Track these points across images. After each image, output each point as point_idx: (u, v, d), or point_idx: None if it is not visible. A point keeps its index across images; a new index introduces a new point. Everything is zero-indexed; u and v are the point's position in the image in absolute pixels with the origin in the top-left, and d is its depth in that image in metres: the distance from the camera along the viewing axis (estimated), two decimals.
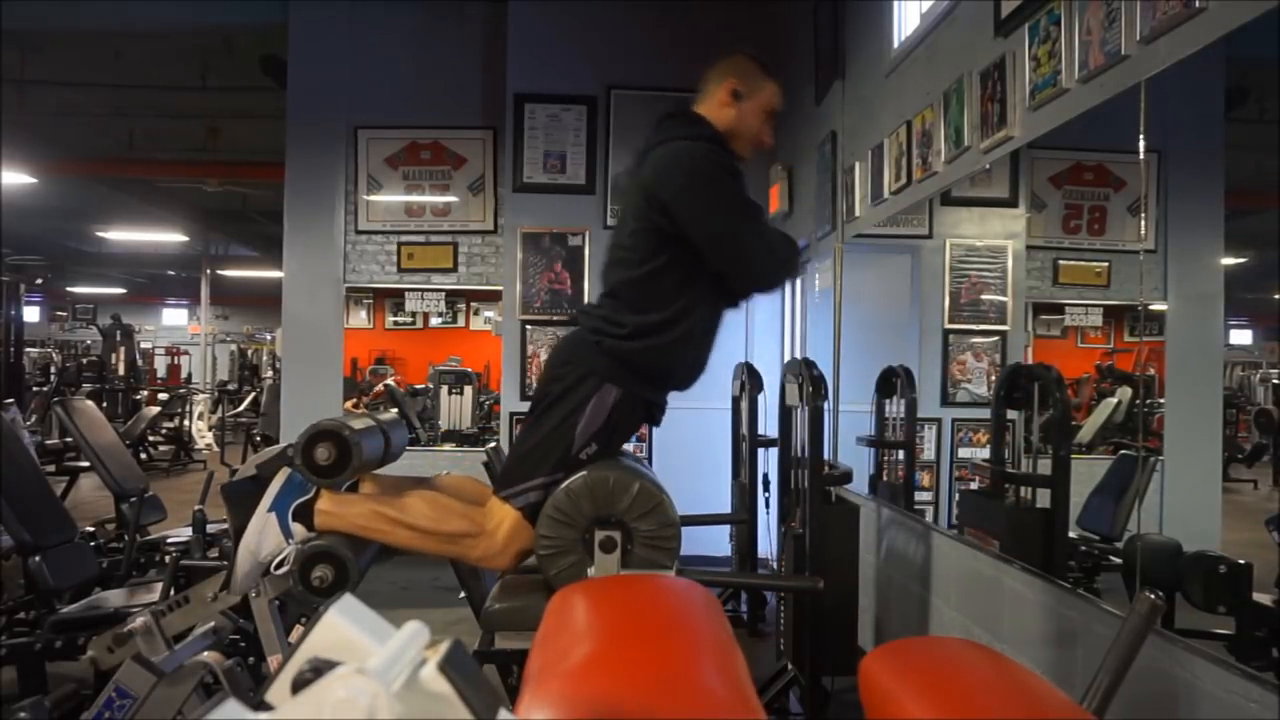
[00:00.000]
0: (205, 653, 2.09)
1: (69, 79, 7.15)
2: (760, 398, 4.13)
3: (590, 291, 5.41)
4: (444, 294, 6.09)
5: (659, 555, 1.80)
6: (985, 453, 3.56)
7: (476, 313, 11.35)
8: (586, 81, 5.42)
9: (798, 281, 5.22)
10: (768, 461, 3.97)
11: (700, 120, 2.03)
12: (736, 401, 4.31)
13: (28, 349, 11.71)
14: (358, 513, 1.89)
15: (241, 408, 12.38)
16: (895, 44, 3.34)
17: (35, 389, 11.45)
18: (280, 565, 1.87)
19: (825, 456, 3.06)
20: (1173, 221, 3.04)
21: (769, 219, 2.08)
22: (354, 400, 7.50)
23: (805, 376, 2.94)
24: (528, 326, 5.43)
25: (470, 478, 2.15)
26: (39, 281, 17.53)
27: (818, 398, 2.91)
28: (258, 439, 9.64)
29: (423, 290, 5.96)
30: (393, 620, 0.53)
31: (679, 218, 1.90)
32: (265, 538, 1.90)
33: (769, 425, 3.92)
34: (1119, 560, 2.61)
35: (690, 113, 2.06)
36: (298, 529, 1.89)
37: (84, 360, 13.00)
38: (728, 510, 4.38)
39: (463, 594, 2.59)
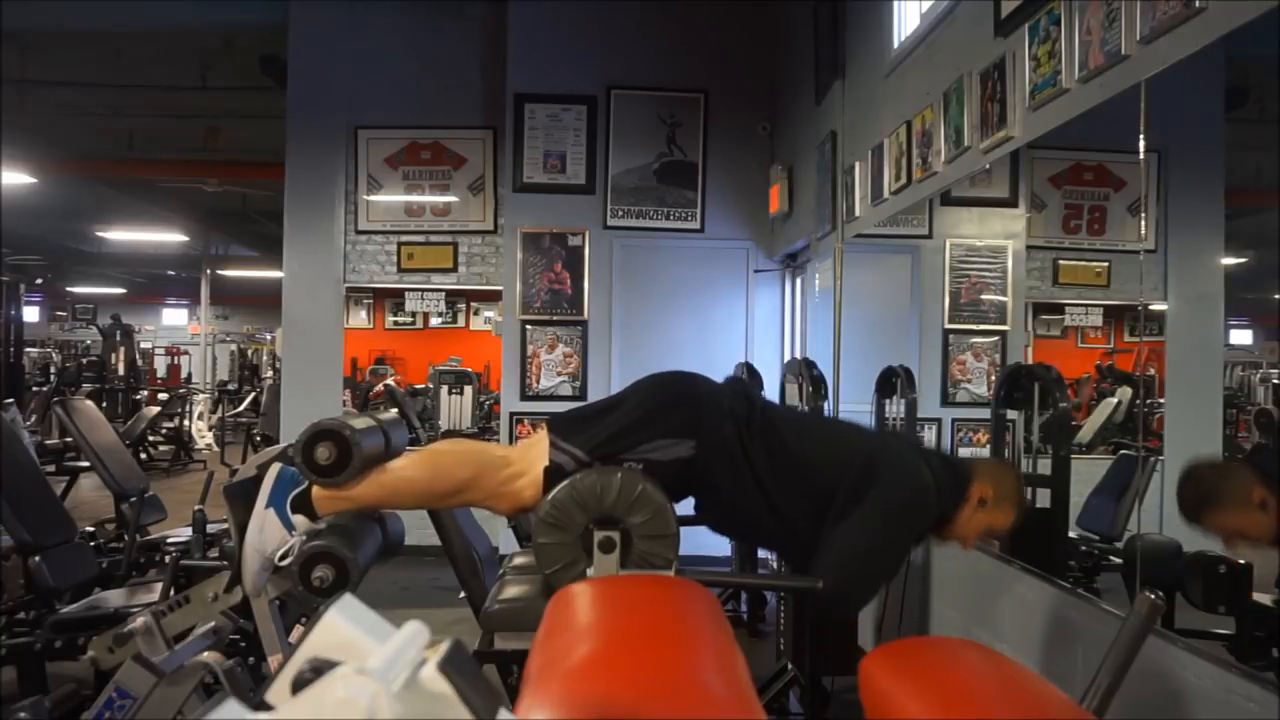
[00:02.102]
0: (205, 653, 2.10)
1: (69, 79, 7.14)
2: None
3: (589, 292, 5.41)
4: (444, 294, 6.09)
5: (657, 560, 1.80)
6: (985, 453, 3.56)
7: (476, 313, 11.36)
8: (586, 81, 5.42)
9: (798, 281, 5.22)
10: None
11: (962, 491, 1.98)
12: None
13: (28, 349, 11.71)
14: (357, 488, 1.89)
15: (241, 408, 12.37)
16: (895, 44, 3.34)
17: (35, 389, 11.45)
18: (285, 557, 1.88)
19: None
20: (1173, 221, 3.04)
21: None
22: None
23: (805, 376, 2.94)
24: (528, 326, 5.43)
25: (461, 439, 2.15)
26: (39, 281, 17.51)
27: (818, 398, 2.91)
28: (258, 439, 9.63)
29: (423, 290, 5.97)
30: (393, 620, 0.53)
31: (857, 512, 1.87)
32: (268, 535, 1.90)
33: None
34: (1119, 560, 2.61)
35: (965, 481, 2.00)
36: (300, 520, 1.89)
37: (84, 360, 13.01)
38: None
39: (463, 594, 2.59)
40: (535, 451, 1.89)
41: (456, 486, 1.90)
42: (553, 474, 1.84)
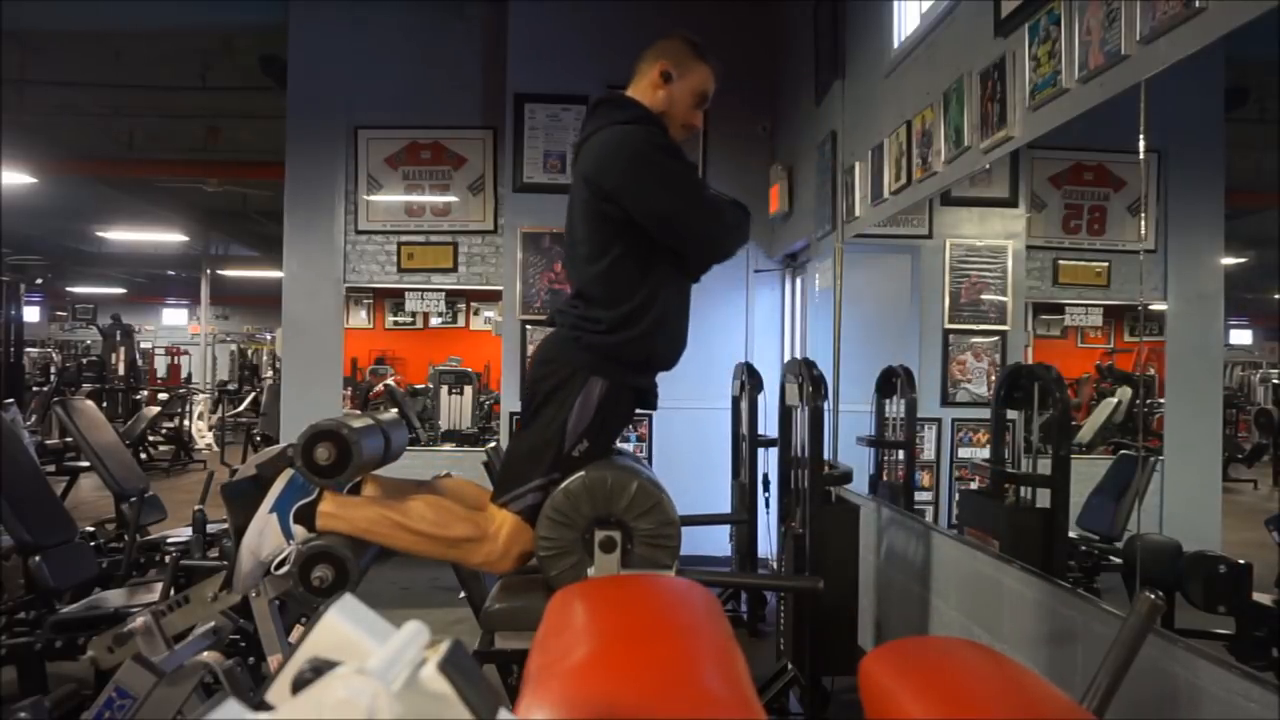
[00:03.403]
0: (205, 653, 2.09)
1: (69, 79, 7.15)
2: (760, 398, 4.13)
3: None
4: (444, 294, 6.09)
5: (659, 555, 1.80)
6: (985, 453, 3.56)
7: (476, 313, 11.35)
8: (586, 81, 5.41)
9: (798, 281, 5.22)
10: (768, 461, 3.97)
11: (632, 103, 2.03)
12: (736, 401, 4.31)
13: (28, 349, 11.71)
14: (361, 516, 1.89)
15: (241, 408, 12.37)
16: (895, 44, 3.34)
17: (35, 389, 11.44)
18: (281, 565, 1.87)
19: (825, 456, 3.06)
20: (1173, 221, 3.04)
21: (711, 189, 2.09)
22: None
23: (805, 376, 2.94)
24: (528, 326, 5.43)
25: (471, 482, 2.15)
26: (39, 281, 17.52)
27: (818, 398, 2.90)
28: (258, 439, 9.63)
29: (423, 290, 5.97)
30: (393, 620, 0.53)
31: (624, 203, 1.90)
32: (266, 538, 1.90)
33: (769, 425, 3.93)
34: (1119, 560, 2.61)
35: (621, 96, 2.06)
36: (298, 530, 1.89)
37: (84, 360, 13.00)
38: (728, 510, 4.38)
39: (463, 594, 2.59)
40: (503, 514, 1.91)
41: (453, 542, 1.90)
42: (529, 515, 1.87)
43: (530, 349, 5.42)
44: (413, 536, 1.89)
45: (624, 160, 1.92)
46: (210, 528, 3.16)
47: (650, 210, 1.91)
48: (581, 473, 1.82)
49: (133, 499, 3.79)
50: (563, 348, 1.96)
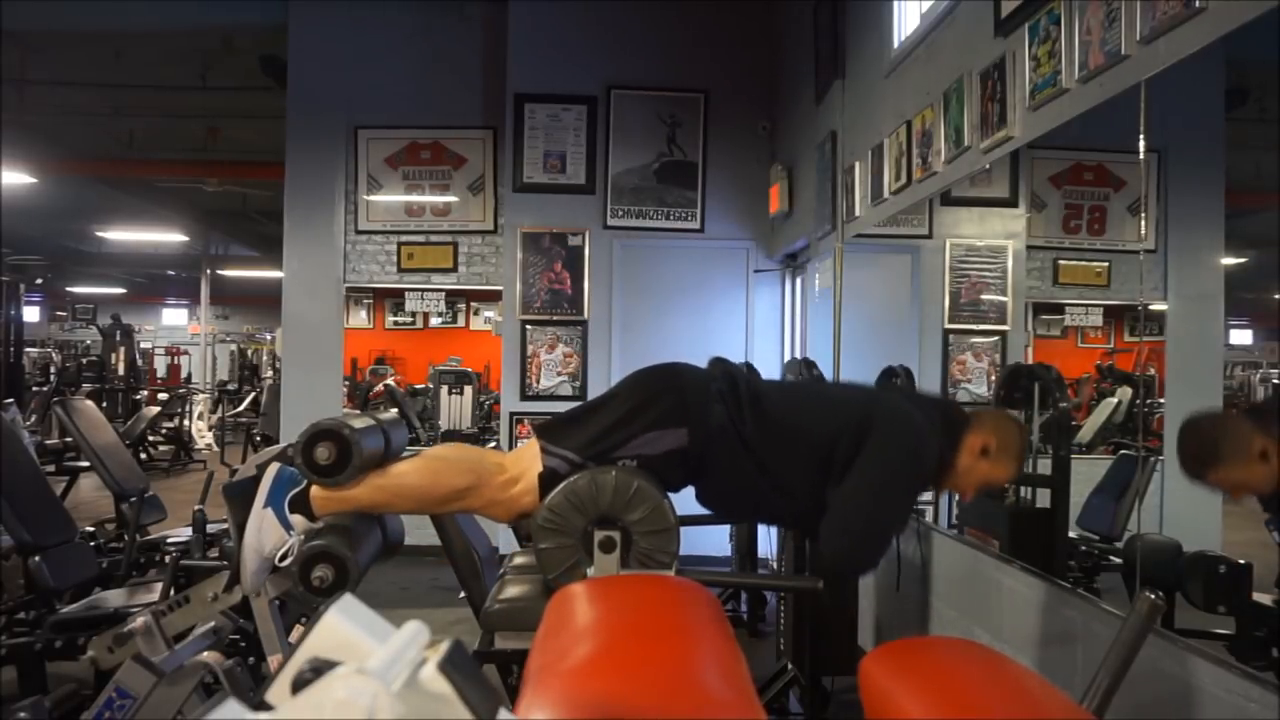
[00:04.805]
0: (205, 653, 2.10)
1: (69, 79, 7.15)
2: None
3: (589, 292, 5.41)
4: (444, 294, 6.10)
5: (658, 557, 1.80)
6: None
7: (476, 313, 11.36)
8: (586, 81, 5.42)
9: (798, 281, 5.22)
10: None
11: (955, 441, 1.97)
12: None
13: (28, 349, 11.71)
14: (356, 489, 1.89)
15: (241, 408, 12.37)
16: (895, 44, 3.34)
17: (35, 389, 11.44)
18: (284, 558, 1.87)
19: None
20: (1173, 221, 3.04)
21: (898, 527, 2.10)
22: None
23: (805, 376, 2.94)
24: (528, 326, 5.43)
25: (461, 444, 2.15)
26: (39, 281, 17.52)
27: None
28: (258, 439, 9.63)
29: (423, 290, 5.97)
30: (393, 620, 0.53)
31: (856, 469, 1.87)
32: (266, 534, 1.90)
33: None
34: (1119, 560, 2.61)
35: (960, 425, 2.01)
36: (298, 520, 1.89)
37: (84, 360, 13.00)
38: None
39: (463, 594, 2.59)
40: (529, 458, 1.88)
41: (454, 493, 1.90)
42: (547, 479, 1.83)
43: (530, 349, 5.43)
44: (411, 497, 1.90)
45: (899, 449, 1.89)
46: (210, 528, 3.16)
47: (854, 493, 1.87)
48: (613, 470, 1.81)
49: (133, 499, 3.78)
50: (699, 387, 1.92)
